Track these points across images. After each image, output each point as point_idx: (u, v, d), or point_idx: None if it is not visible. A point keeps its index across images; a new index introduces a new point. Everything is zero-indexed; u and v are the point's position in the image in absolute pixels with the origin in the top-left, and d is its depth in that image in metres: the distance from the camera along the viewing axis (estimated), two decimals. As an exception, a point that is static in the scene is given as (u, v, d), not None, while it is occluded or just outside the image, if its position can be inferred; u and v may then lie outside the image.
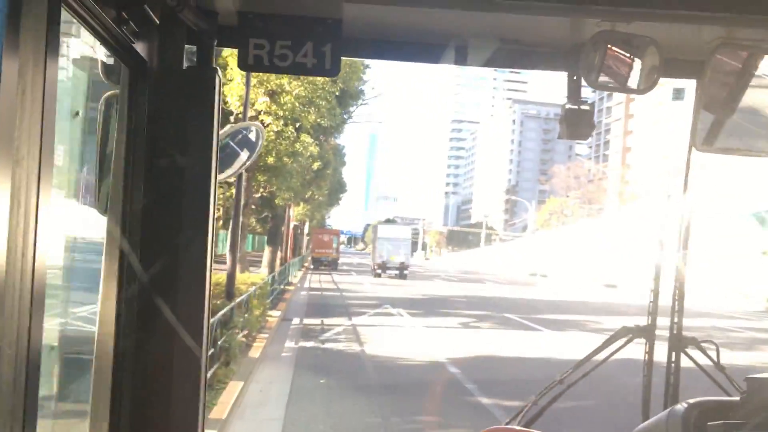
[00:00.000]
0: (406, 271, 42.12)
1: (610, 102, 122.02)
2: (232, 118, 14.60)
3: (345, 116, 24.98)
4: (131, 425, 1.20)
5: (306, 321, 16.48)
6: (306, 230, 61.19)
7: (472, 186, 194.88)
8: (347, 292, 27.46)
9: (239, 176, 15.56)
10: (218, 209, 32.29)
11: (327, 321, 16.62)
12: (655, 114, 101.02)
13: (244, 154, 3.11)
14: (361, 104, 30.56)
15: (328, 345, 12.76)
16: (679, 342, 2.10)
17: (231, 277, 11.34)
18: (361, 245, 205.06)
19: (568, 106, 1.53)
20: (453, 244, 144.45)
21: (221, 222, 18.06)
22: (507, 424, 2.05)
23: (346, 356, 11.81)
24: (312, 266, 50.60)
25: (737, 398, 1.47)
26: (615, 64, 1.41)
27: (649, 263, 2.33)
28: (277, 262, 30.49)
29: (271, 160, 16.44)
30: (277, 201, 17.94)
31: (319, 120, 14.93)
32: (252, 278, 13.74)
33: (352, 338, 13.89)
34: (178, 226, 1.24)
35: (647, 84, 1.40)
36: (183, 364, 1.20)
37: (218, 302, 10.65)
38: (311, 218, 56.68)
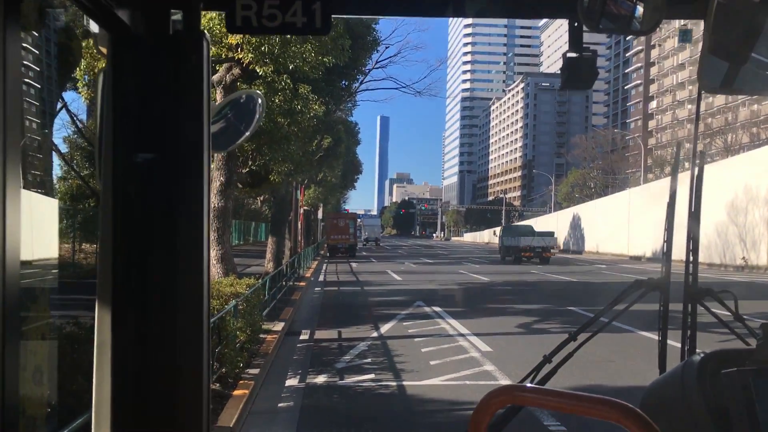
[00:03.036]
0: (380, 242, 79.04)
1: (627, 68, 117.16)
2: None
3: (356, 73, 20.67)
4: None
5: (318, 334, 12.30)
6: (320, 216, 57.87)
7: (487, 163, 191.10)
8: (369, 285, 23.27)
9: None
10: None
11: (346, 332, 12.45)
12: (676, 77, 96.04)
13: (241, 126, 2.53)
14: (377, 66, 26.33)
15: (348, 380, 8.57)
16: (694, 293, 1.91)
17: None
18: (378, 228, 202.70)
19: (569, 54, 1.50)
20: (471, 223, 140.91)
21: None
22: (521, 382, 1.75)
23: (375, 404, 7.63)
24: (328, 254, 46.90)
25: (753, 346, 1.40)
26: (616, 7, 1.40)
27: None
28: (287, 253, 26.45)
29: (259, 121, 12.22)
30: (271, 177, 13.75)
31: (321, 58, 10.71)
32: (237, 285, 9.59)
33: (382, 362, 9.71)
34: (171, 208, 1.13)
35: (650, 25, 1.37)
36: (185, 368, 1.10)
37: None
38: (325, 202, 53.16)
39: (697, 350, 1.62)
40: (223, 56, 10.98)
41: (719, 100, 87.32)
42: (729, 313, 1.96)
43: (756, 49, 1.30)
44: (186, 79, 1.25)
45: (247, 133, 2.34)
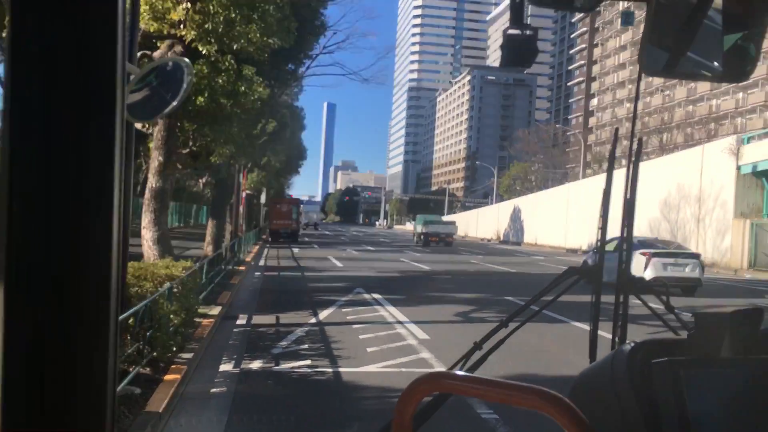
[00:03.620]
0: (318, 227, 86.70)
1: (571, 65, 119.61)
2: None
3: (303, 57, 20.39)
4: None
5: (256, 319, 12.13)
6: (263, 200, 57.29)
7: (432, 153, 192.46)
8: (310, 271, 23.13)
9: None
10: (141, 172, 27.65)
11: (284, 317, 12.32)
12: (618, 76, 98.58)
13: (168, 95, 2.81)
14: (324, 51, 26.08)
15: (284, 366, 8.47)
16: (627, 283, 1.90)
17: (122, 274, 6.86)
18: (321, 215, 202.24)
19: (509, 31, 1.46)
20: (414, 212, 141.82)
21: (138, 188, 13.46)
22: (450, 369, 1.73)
23: (311, 390, 7.57)
24: (270, 239, 46.44)
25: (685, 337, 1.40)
26: None
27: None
28: (227, 236, 26.06)
29: (201, 101, 11.89)
30: (213, 158, 13.43)
31: (267, 39, 10.46)
32: (173, 267, 9.35)
33: (319, 348, 9.65)
34: (77, 187, 0.97)
35: (591, 3, 1.35)
36: (86, 366, 0.97)
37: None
38: (268, 187, 52.63)
39: (628, 340, 1.62)
40: (165, 33, 10.65)
41: (656, 100, 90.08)
42: (661, 305, 1.96)
43: (697, 35, 1.27)
44: (97, 33, 1.13)
45: (174, 103, 2.18)
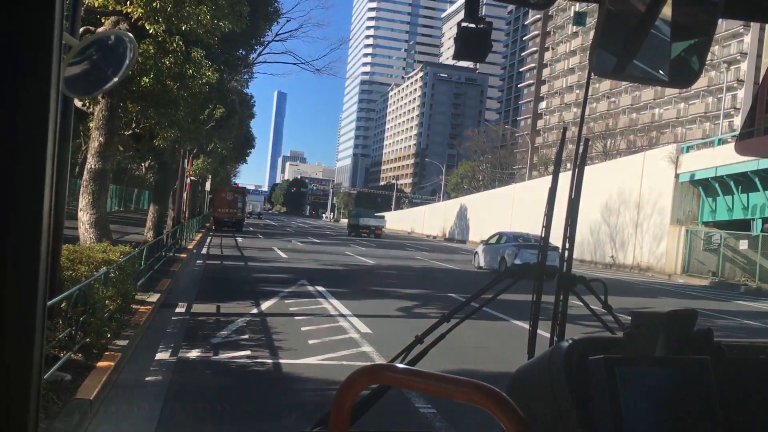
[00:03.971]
0: (262, 216, 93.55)
1: (522, 67, 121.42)
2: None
3: (254, 44, 20.08)
4: None
5: (196, 307, 11.90)
6: (208, 187, 56.40)
7: (382, 148, 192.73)
8: (253, 261, 22.85)
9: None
10: (80, 153, 26.80)
11: (225, 307, 12.13)
12: (567, 80, 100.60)
13: (109, 71, 2.19)
14: (277, 38, 25.75)
15: (223, 355, 8.33)
16: (567, 280, 1.94)
17: (55, 257, 6.56)
18: (268, 205, 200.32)
19: (464, 23, 1.46)
20: (362, 206, 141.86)
21: (77, 168, 13.00)
22: (391, 362, 1.65)
23: (250, 380, 7.46)
24: (213, 227, 45.78)
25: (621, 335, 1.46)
26: None
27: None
28: (169, 223, 25.53)
29: (146, 82, 11.55)
30: (156, 142, 13.08)
31: (217, 22, 10.22)
32: (111, 251, 9.06)
33: (259, 339, 9.52)
34: (4, 162, 0.93)
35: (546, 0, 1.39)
36: (9, 349, 0.93)
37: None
38: (214, 174, 51.82)
39: (567, 338, 1.63)
40: (110, 8, 10.31)
41: (602, 106, 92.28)
42: (599, 304, 1.98)
43: (646, 41, 1.30)
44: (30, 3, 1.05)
45: (116, 79, 2.08)
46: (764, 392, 1.44)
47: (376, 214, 60.61)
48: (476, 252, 28.47)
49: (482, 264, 27.03)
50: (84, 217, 11.47)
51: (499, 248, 25.74)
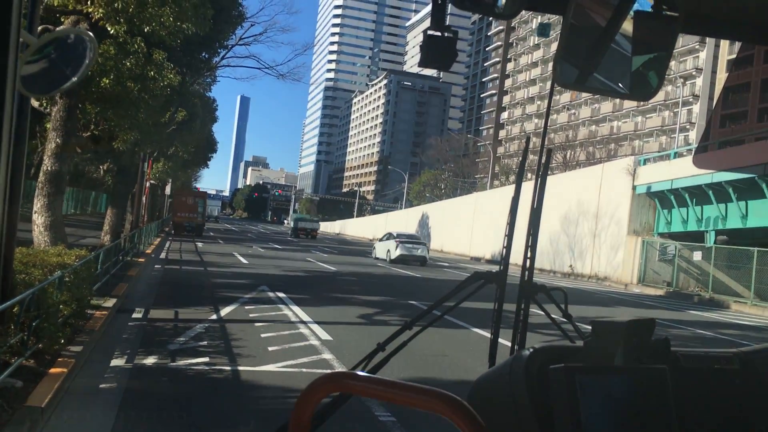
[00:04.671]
0: (219, 220, 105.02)
1: (485, 77, 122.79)
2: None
3: (218, 47, 19.89)
4: None
5: (153, 313, 11.70)
6: (168, 191, 55.57)
7: (345, 155, 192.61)
8: (213, 266, 22.58)
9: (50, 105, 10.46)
10: (36, 154, 26.15)
11: (184, 313, 11.95)
12: (529, 91, 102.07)
13: (67, 70, 2.16)
14: (241, 42, 25.57)
15: (180, 362, 8.19)
16: (528, 289, 1.92)
17: (8, 260, 6.39)
18: (229, 210, 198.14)
19: (430, 31, 1.48)
20: (324, 213, 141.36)
21: (33, 170, 12.69)
22: (352, 370, 1.49)
23: (207, 388, 7.35)
24: (173, 232, 45.13)
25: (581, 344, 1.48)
26: None
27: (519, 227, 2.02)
28: (127, 227, 25.09)
29: (106, 83, 11.34)
30: (116, 144, 12.84)
31: (180, 24, 10.09)
32: (66, 255, 8.86)
33: (218, 345, 9.40)
34: None
35: (512, 10, 1.39)
36: None
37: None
38: (174, 178, 51.09)
39: (527, 346, 1.65)
40: (71, 8, 10.11)
41: (562, 117, 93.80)
42: (559, 313, 2.00)
43: (607, 54, 1.32)
44: None
45: (74, 79, 2.04)
46: (719, 401, 1.47)
47: (312, 219, 70.77)
48: (374, 247, 38.63)
49: (377, 255, 36.77)
50: (39, 219, 11.19)
51: (387, 243, 35.37)
